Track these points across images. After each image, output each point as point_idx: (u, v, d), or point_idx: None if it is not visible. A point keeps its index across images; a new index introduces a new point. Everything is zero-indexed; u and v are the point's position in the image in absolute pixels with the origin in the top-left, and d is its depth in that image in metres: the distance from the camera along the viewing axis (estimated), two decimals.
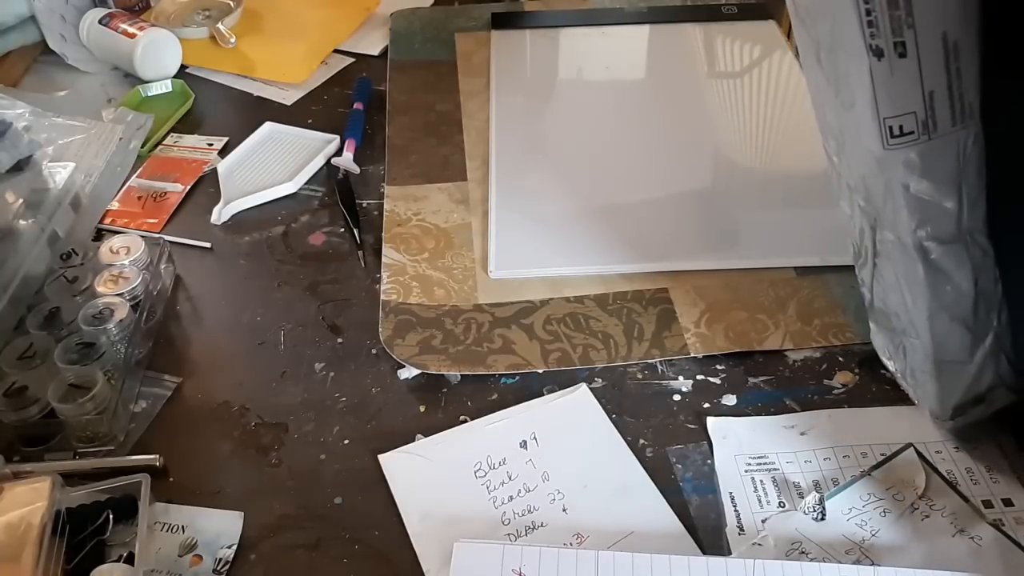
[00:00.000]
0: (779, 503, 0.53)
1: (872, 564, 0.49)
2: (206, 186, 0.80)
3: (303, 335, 0.66)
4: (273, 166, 0.81)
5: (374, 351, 0.64)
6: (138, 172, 0.81)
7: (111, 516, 0.52)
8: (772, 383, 0.61)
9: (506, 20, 1.01)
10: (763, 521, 0.52)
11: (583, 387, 0.60)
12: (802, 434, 0.57)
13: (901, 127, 0.45)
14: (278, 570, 0.51)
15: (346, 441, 0.58)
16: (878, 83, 0.45)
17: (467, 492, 0.54)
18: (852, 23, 0.43)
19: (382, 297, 0.67)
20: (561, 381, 0.61)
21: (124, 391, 0.59)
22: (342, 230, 0.75)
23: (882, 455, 0.55)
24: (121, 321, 0.61)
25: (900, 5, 0.42)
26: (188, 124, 0.88)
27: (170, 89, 0.92)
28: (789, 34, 0.95)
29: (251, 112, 0.90)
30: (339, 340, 0.65)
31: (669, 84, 0.91)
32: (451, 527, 0.52)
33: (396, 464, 0.56)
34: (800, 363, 0.62)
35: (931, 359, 0.53)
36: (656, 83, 0.93)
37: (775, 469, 0.55)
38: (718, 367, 0.62)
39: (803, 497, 0.52)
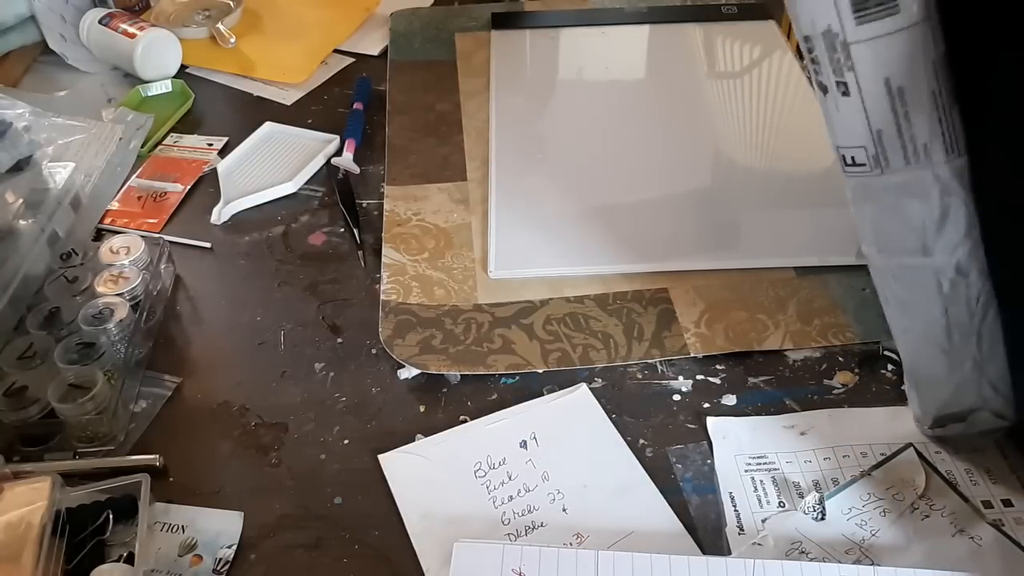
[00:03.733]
0: (779, 503, 0.53)
1: (872, 564, 0.49)
2: (206, 186, 0.80)
3: (303, 335, 0.66)
4: (273, 166, 0.81)
5: (374, 351, 0.64)
6: (138, 172, 0.81)
7: (111, 516, 0.52)
8: (772, 383, 0.61)
9: (506, 20, 1.01)
10: (763, 521, 0.52)
11: (583, 387, 0.60)
12: (802, 434, 0.57)
13: (853, 158, 0.46)
14: (278, 570, 0.51)
15: (346, 441, 0.58)
16: (827, 115, 0.46)
17: (467, 492, 0.54)
18: (805, 57, 0.44)
19: (382, 297, 0.67)
20: (561, 381, 0.61)
21: (124, 391, 0.59)
22: (342, 230, 0.75)
23: (882, 455, 0.55)
24: (121, 321, 0.61)
25: (838, 48, 0.43)
26: (188, 124, 0.88)
27: (170, 89, 0.92)
28: (789, 34, 0.95)
29: (251, 112, 0.90)
30: (339, 340, 0.65)
31: (669, 84, 0.91)
32: (451, 527, 0.52)
33: (396, 464, 0.56)
34: (800, 363, 0.62)
35: (907, 368, 0.53)
36: (656, 83, 0.93)
37: (775, 469, 0.55)
38: (718, 367, 0.62)
39: (803, 497, 0.52)
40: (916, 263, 0.48)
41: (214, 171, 0.81)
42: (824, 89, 0.44)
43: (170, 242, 0.71)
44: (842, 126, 0.45)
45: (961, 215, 0.45)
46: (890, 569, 0.48)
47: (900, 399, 0.58)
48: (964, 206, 0.45)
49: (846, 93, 0.44)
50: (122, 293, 0.64)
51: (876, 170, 0.46)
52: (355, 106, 0.88)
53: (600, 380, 0.61)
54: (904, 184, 0.45)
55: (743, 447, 0.56)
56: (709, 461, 0.56)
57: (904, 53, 0.42)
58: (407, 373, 0.62)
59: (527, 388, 0.61)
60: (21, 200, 0.71)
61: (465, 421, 0.59)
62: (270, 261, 0.72)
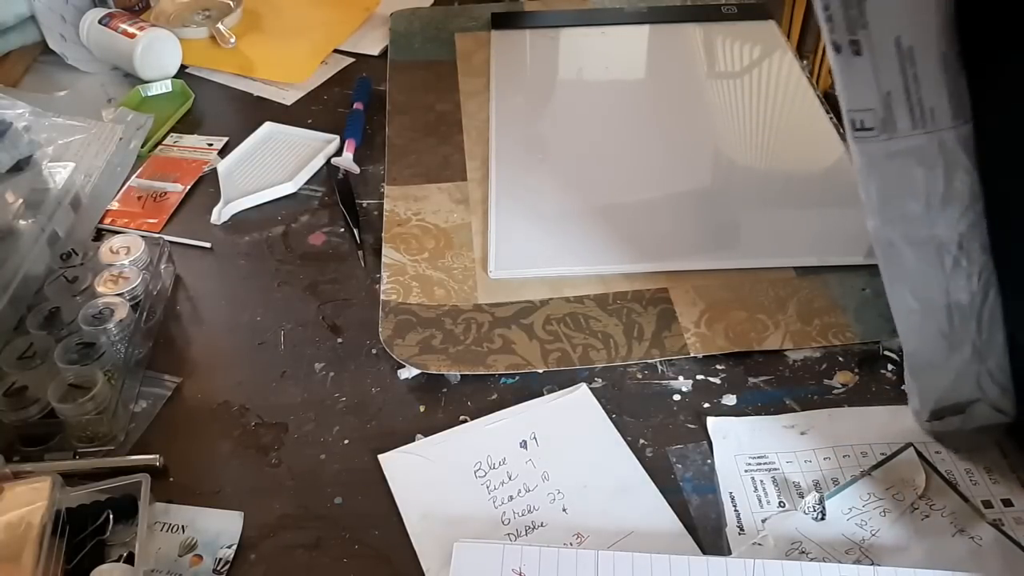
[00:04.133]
0: (779, 503, 0.53)
1: (872, 564, 0.49)
2: (206, 186, 0.80)
3: (303, 335, 0.66)
4: (273, 166, 0.81)
5: (374, 351, 0.64)
6: (138, 172, 0.81)
7: (111, 516, 0.52)
8: (772, 383, 0.61)
9: (506, 20, 1.01)
10: (763, 521, 0.52)
11: (583, 387, 0.60)
12: (802, 434, 0.57)
13: (863, 121, 0.46)
14: (278, 570, 0.51)
15: (346, 441, 0.58)
16: (839, 76, 0.45)
17: (467, 492, 0.54)
18: (821, 16, 0.44)
19: (382, 297, 0.67)
20: (561, 381, 0.61)
21: (124, 391, 0.59)
22: (342, 230, 0.75)
23: (882, 455, 0.55)
24: (121, 321, 0.61)
25: (853, 4, 0.43)
26: (188, 124, 0.88)
27: (170, 89, 0.92)
28: (789, 34, 0.95)
29: (251, 112, 0.90)
30: (339, 340, 0.65)
31: (669, 84, 0.91)
32: (451, 527, 0.52)
33: (396, 464, 0.56)
34: (800, 363, 0.62)
35: (907, 354, 0.53)
36: (656, 83, 0.93)
37: (775, 469, 0.55)
38: (718, 367, 0.62)
39: (803, 497, 0.52)
40: (919, 235, 0.47)
41: (214, 171, 0.81)
42: (837, 48, 0.44)
43: (170, 242, 0.71)
44: (852, 87, 0.45)
45: (965, 185, 0.45)
46: (890, 569, 0.48)
47: (900, 399, 0.58)
48: (968, 176, 0.45)
49: (858, 52, 0.44)
50: (122, 293, 0.64)
51: (884, 135, 0.45)
52: (355, 106, 0.88)
53: (600, 380, 0.61)
54: (910, 150, 0.45)
55: (743, 447, 0.56)
56: (709, 461, 0.56)
57: (915, 12, 0.42)
58: (407, 373, 0.62)
59: (527, 388, 0.61)
60: (21, 200, 0.71)
61: (465, 421, 0.59)
62: (270, 261, 0.72)
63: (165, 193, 0.79)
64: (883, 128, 0.45)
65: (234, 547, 0.52)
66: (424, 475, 0.55)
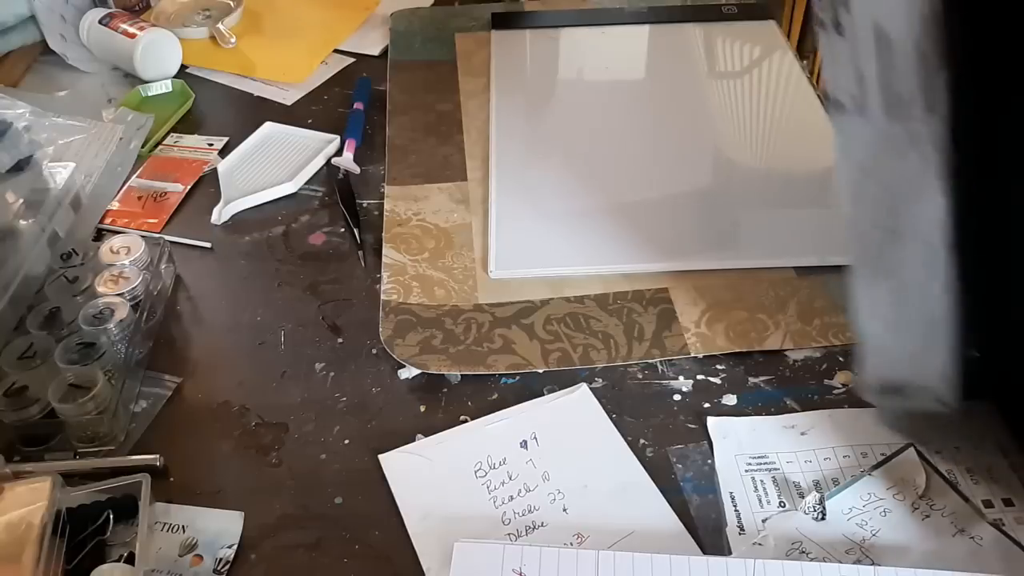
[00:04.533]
0: (779, 503, 0.53)
1: (872, 564, 0.49)
2: (206, 186, 0.80)
3: (303, 335, 0.66)
4: (273, 166, 0.81)
5: (374, 351, 0.64)
6: (138, 172, 0.81)
7: (111, 516, 0.52)
8: (772, 383, 0.61)
9: (506, 20, 1.01)
10: (763, 521, 0.52)
11: (583, 387, 0.60)
12: (802, 434, 0.57)
13: (840, 101, 0.46)
14: (278, 570, 0.51)
15: (346, 441, 0.58)
16: (823, 53, 0.46)
17: (467, 492, 0.54)
18: None
19: (382, 297, 0.67)
20: (561, 381, 0.61)
21: (124, 391, 0.59)
22: (342, 230, 0.75)
23: (882, 455, 0.55)
24: (121, 321, 0.61)
25: None
26: (188, 124, 0.88)
27: (170, 89, 0.92)
28: (789, 34, 0.95)
29: (251, 112, 0.90)
30: (339, 340, 0.65)
31: (669, 84, 0.91)
32: (451, 527, 0.52)
33: (396, 464, 0.56)
34: (800, 363, 0.62)
35: (861, 329, 0.53)
36: (656, 83, 0.93)
37: (775, 469, 0.55)
38: (718, 367, 0.62)
39: (803, 497, 0.52)
40: (884, 222, 0.47)
41: (214, 171, 0.81)
42: (823, 25, 0.45)
43: (170, 242, 0.71)
44: (834, 66, 0.46)
45: (933, 180, 0.45)
46: (890, 569, 0.48)
47: None
48: (937, 171, 0.45)
49: (840, 33, 0.44)
50: (122, 293, 0.64)
51: (859, 119, 0.46)
52: (355, 106, 0.88)
53: (600, 380, 0.61)
54: (883, 138, 0.45)
55: (743, 447, 0.56)
56: (709, 461, 0.56)
57: (895, 1, 0.42)
58: (407, 373, 0.62)
59: (527, 388, 0.61)
60: (21, 200, 0.71)
61: (465, 421, 0.59)
62: (270, 261, 0.72)
63: (165, 193, 0.79)
64: (858, 112, 0.46)
65: (234, 547, 0.52)
66: (424, 475, 0.55)
